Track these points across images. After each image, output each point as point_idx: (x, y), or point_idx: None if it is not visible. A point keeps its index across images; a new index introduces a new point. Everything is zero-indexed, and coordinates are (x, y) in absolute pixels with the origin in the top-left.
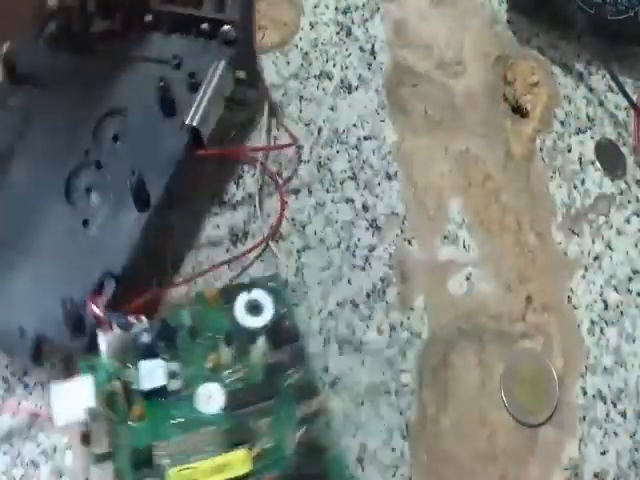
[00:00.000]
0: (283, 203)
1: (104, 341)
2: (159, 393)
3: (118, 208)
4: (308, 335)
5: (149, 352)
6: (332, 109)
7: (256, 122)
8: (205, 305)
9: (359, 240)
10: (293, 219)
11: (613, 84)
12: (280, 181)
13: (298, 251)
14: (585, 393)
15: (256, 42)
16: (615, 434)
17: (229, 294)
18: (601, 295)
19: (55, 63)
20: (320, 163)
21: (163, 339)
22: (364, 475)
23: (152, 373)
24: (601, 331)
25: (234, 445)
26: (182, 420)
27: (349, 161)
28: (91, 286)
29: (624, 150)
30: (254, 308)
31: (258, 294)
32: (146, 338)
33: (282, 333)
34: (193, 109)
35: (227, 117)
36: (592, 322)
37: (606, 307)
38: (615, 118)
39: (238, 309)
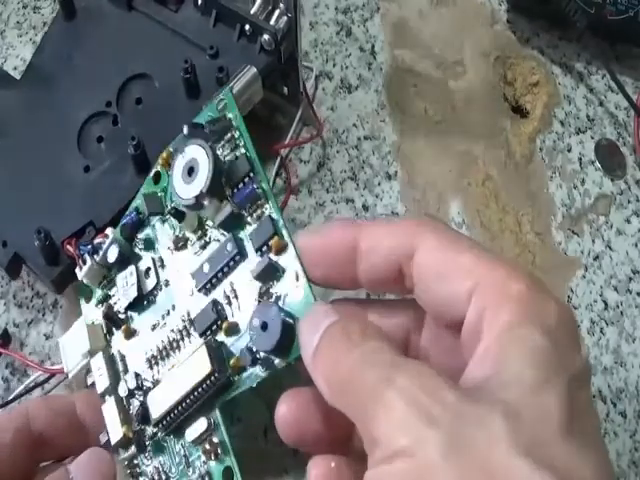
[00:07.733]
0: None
1: (82, 271)
2: (138, 299)
3: (120, 166)
4: None
5: (121, 260)
6: (332, 109)
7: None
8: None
9: None
10: (293, 219)
11: (613, 84)
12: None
13: None
14: None
15: (301, 62)
16: (615, 434)
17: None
18: (601, 295)
19: (109, 11)
20: (320, 163)
21: (133, 231)
22: None
23: (127, 285)
24: (601, 331)
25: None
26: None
27: (349, 161)
28: (73, 229)
29: (624, 150)
30: (190, 171)
31: (193, 151)
32: (115, 252)
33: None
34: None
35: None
36: (592, 322)
37: (606, 307)
38: (615, 118)
39: (175, 177)
